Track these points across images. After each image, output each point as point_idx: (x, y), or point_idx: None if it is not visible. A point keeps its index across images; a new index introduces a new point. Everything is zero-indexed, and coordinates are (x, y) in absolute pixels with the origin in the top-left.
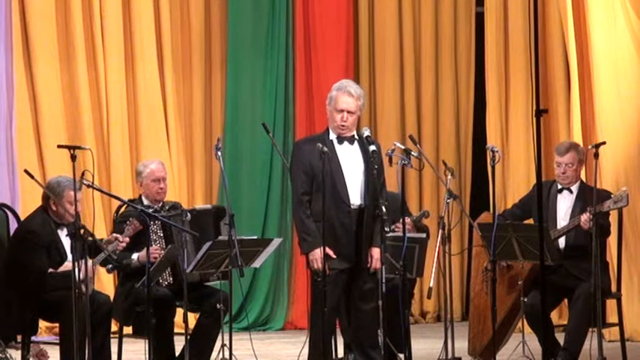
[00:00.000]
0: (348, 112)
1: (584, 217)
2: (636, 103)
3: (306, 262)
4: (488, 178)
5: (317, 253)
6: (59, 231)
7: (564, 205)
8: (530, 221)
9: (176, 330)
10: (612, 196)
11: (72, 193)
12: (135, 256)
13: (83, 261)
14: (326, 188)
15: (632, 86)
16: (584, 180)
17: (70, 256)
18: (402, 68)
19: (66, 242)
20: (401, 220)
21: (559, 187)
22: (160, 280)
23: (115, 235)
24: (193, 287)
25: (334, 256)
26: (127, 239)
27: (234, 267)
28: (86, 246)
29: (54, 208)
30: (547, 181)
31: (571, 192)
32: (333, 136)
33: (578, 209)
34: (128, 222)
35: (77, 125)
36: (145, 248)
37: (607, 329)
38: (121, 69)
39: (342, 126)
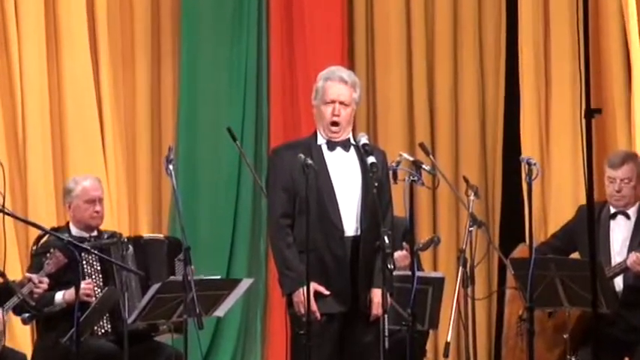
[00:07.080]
0: (341, 103)
1: (633, 258)
2: None
3: (287, 306)
4: (523, 200)
5: (303, 294)
6: None
7: (620, 234)
8: (576, 256)
9: None
10: None
11: None
12: (59, 295)
13: None
14: (311, 210)
15: None
16: None
17: None
18: (409, 59)
19: None
20: (399, 250)
21: (612, 210)
22: (96, 328)
23: (28, 275)
24: (137, 340)
25: (327, 293)
26: (46, 279)
27: (191, 316)
28: None
29: None
30: (597, 204)
31: (628, 217)
32: (322, 140)
33: (638, 240)
34: (49, 254)
35: None
36: (74, 287)
37: None
38: (41, 56)
39: (334, 122)
